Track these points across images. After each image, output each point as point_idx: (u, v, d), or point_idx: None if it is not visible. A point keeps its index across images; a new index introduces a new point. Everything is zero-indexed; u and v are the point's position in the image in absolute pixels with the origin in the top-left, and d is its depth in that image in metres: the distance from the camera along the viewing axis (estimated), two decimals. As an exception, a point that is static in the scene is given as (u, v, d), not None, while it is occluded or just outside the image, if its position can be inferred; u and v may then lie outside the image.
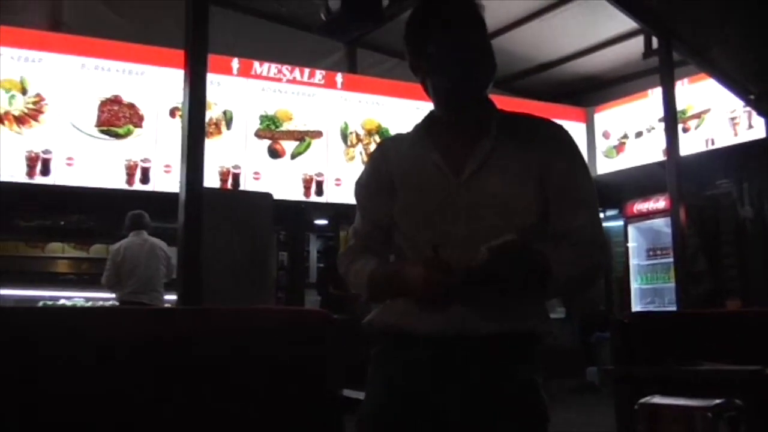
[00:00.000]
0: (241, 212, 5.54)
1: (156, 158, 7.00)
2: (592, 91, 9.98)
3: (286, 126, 7.77)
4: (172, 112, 7.10)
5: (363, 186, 1.70)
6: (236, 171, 7.39)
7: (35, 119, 6.66)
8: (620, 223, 9.14)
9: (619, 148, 9.42)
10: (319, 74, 8.03)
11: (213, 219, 4.87)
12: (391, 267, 1.59)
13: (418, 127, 1.66)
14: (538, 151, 1.56)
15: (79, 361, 1.61)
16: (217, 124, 7.34)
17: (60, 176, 6.64)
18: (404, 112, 7.95)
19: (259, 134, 7.61)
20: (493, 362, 1.50)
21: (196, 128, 4.20)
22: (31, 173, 6.54)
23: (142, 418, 1.64)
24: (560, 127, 1.66)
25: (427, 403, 1.52)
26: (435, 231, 1.52)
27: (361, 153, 8.09)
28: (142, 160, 6.96)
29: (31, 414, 1.49)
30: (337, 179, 7.86)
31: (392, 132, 7.83)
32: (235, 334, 1.83)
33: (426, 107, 1.71)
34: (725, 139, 8.13)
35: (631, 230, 9.14)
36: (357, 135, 8.13)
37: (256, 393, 1.80)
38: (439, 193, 1.55)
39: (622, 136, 9.41)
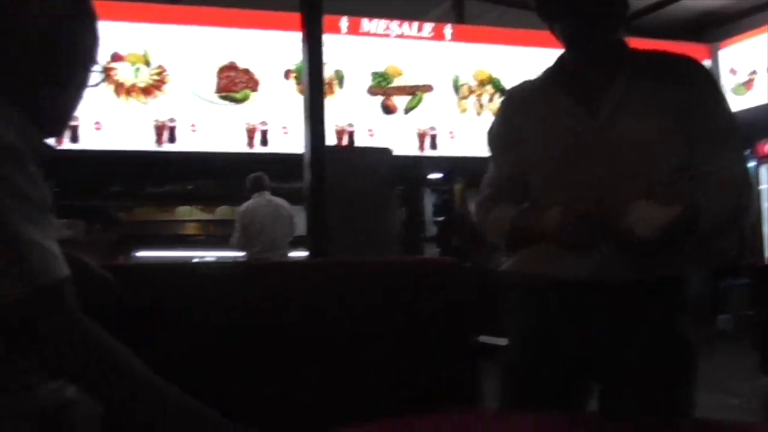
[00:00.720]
0: (361, 168, 5.63)
1: (273, 121, 7.18)
2: (716, 26, 9.42)
3: (396, 81, 7.78)
4: (286, 74, 7.25)
5: (495, 136, 1.69)
6: (350, 129, 7.49)
7: (159, 89, 6.97)
8: (752, 164, 8.64)
9: (748, 84, 8.89)
10: (427, 27, 7.95)
11: (335, 176, 4.97)
12: (530, 214, 1.56)
13: (548, 72, 1.62)
14: (676, 89, 1.49)
15: (221, 312, 1.70)
16: (330, 84, 7.42)
17: (185, 143, 6.94)
18: (515, 60, 7.75)
19: (371, 91, 7.67)
20: (639, 308, 1.47)
21: (316, 89, 4.30)
22: (159, 141, 6.88)
23: (275, 365, 1.72)
24: (698, 62, 1.59)
25: (568, 350, 1.51)
26: (572, 177, 1.49)
27: (473, 104, 8.00)
28: (260, 123, 7.16)
29: (171, 362, 1.59)
30: (451, 132, 7.82)
31: (504, 82, 7.70)
32: (371, 284, 1.88)
33: (539, 54, 1.67)
34: None
35: (764, 171, 8.63)
36: (469, 86, 8.03)
37: (392, 341, 1.85)
38: (575, 138, 1.51)
39: (750, 72, 8.86)
